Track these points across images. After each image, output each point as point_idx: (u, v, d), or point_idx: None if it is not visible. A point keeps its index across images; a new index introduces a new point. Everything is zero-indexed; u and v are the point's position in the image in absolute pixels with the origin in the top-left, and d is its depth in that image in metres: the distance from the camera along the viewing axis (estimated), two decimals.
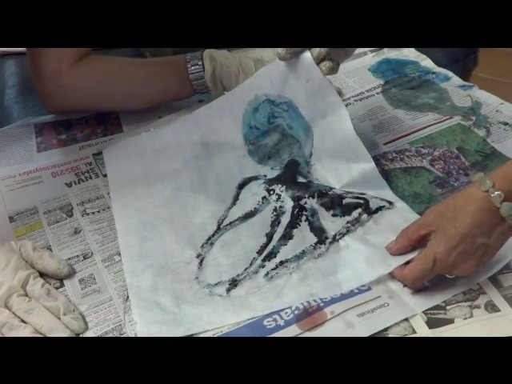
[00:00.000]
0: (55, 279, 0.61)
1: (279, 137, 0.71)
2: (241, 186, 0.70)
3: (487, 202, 0.53)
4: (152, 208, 0.69)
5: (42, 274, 0.61)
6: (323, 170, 0.69)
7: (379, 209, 0.65)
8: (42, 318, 0.55)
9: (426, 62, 0.93)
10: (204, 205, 0.69)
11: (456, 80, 0.89)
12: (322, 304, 0.56)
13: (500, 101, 0.83)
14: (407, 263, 0.57)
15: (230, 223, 0.66)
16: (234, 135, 0.72)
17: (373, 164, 0.67)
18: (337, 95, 0.66)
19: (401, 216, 0.64)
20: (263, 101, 0.71)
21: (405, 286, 0.58)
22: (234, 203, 0.69)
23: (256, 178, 0.71)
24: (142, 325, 0.56)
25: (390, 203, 0.66)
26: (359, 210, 0.65)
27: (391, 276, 0.59)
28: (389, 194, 0.67)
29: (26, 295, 0.57)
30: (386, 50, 0.97)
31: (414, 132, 0.78)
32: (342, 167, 0.68)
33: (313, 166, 0.70)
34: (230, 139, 0.72)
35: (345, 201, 0.66)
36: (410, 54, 0.96)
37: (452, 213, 0.55)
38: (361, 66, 0.94)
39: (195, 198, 0.70)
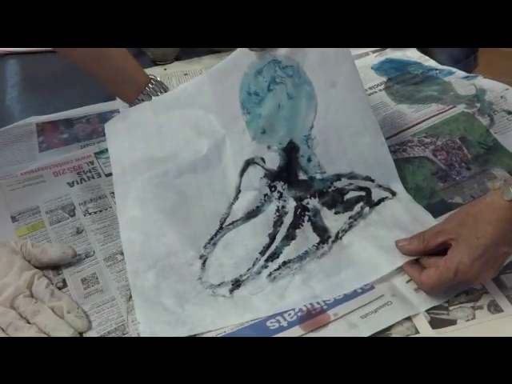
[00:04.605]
0: (58, 276, 0.61)
1: (275, 107, 0.66)
2: (241, 173, 0.68)
3: (510, 211, 0.52)
4: (153, 199, 0.66)
5: (43, 270, 0.61)
6: (325, 144, 0.67)
7: (381, 200, 0.65)
8: (46, 319, 0.55)
9: (429, 63, 0.93)
10: (206, 198, 0.67)
11: (460, 73, 0.87)
12: (325, 307, 0.56)
13: (505, 86, 0.81)
14: (416, 261, 0.58)
15: (233, 223, 0.66)
16: (232, 102, 0.68)
17: (382, 138, 0.66)
18: (353, 63, 0.65)
19: (403, 206, 0.64)
20: (269, 61, 0.66)
21: (408, 281, 0.58)
22: (236, 197, 0.67)
23: (253, 161, 0.68)
24: (145, 325, 0.56)
25: (393, 193, 0.65)
26: (361, 203, 0.65)
27: (394, 272, 0.58)
28: (394, 177, 0.66)
29: (32, 296, 0.57)
30: (388, 50, 0.97)
31: (416, 124, 0.77)
32: (346, 140, 0.66)
33: (314, 139, 0.67)
34: (229, 108, 0.69)
35: (346, 196, 0.66)
36: (412, 54, 0.95)
37: (473, 221, 0.54)
38: (363, 65, 0.94)
39: (197, 186, 0.68)
